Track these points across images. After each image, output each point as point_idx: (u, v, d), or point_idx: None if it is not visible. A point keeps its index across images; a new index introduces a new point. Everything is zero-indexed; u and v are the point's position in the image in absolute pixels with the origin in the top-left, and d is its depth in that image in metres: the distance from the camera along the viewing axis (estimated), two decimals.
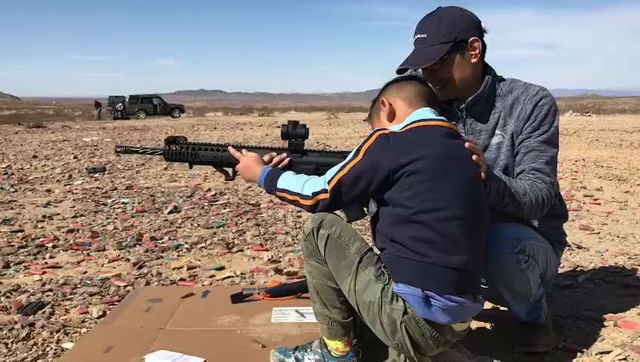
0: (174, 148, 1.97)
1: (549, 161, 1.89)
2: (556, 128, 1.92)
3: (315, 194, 1.63)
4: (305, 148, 1.94)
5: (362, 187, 1.57)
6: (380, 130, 1.60)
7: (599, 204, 4.94)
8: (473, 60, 1.91)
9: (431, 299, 1.51)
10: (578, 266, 3.02)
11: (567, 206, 4.66)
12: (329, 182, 1.61)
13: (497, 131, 1.96)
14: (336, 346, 1.71)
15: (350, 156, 1.61)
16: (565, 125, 19.06)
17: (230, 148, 1.94)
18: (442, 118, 1.66)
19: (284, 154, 1.92)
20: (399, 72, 1.91)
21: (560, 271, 2.92)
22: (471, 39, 1.89)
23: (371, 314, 1.57)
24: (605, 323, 2.20)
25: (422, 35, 1.91)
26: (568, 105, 44.93)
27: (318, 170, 1.87)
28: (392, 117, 1.73)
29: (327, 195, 1.61)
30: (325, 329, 1.72)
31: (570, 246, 3.41)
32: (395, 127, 1.64)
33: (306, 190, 1.65)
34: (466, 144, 1.62)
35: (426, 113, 1.66)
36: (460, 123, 2.00)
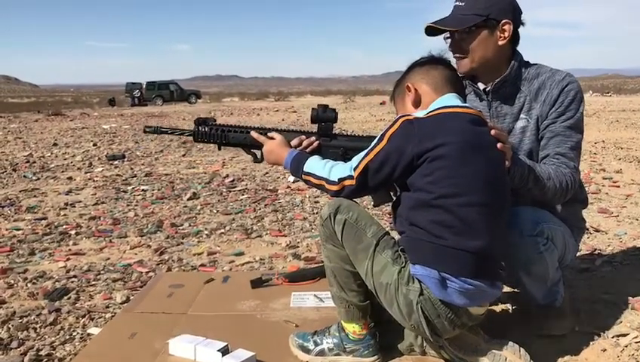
0: (203, 130, 1.97)
1: (573, 146, 1.90)
2: (581, 114, 1.93)
3: (342, 180, 1.65)
4: (333, 132, 1.95)
5: (387, 172, 1.60)
6: (404, 116, 1.62)
7: (618, 186, 4.89)
8: (500, 42, 1.91)
9: (447, 281, 1.54)
10: (596, 249, 3.02)
11: (586, 188, 4.65)
12: (355, 169, 1.63)
13: (522, 115, 1.97)
14: (353, 329, 1.74)
15: (375, 142, 1.63)
16: (585, 106, 18.74)
17: (253, 133, 1.94)
18: (467, 105, 1.68)
19: (313, 138, 1.93)
20: (427, 28, 1.91)
21: (578, 254, 2.91)
22: (503, 21, 1.90)
23: (388, 296, 1.61)
24: (623, 307, 2.20)
25: (460, 3, 1.92)
26: (588, 86, 44.21)
27: (347, 155, 1.88)
28: (417, 103, 1.75)
29: (352, 181, 1.63)
30: (343, 313, 1.75)
31: (587, 229, 3.40)
32: (420, 112, 1.65)
33: (332, 175, 1.67)
34: (492, 131, 1.63)
35: (452, 99, 1.68)
36: (485, 106, 2.02)
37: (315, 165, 1.73)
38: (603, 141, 8.29)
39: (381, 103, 23.99)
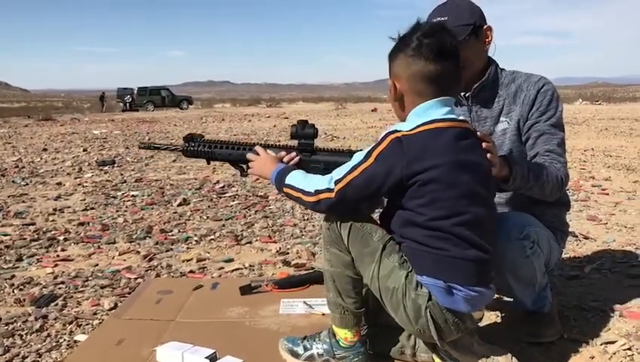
0: (192, 147, 2.03)
1: (559, 143, 1.95)
2: (561, 113, 1.99)
3: (318, 192, 1.61)
4: (314, 146, 1.96)
5: (372, 191, 1.57)
6: (391, 132, 1.55)
7: (607, 194, 4.92)
8: (485, 47, 1.99)
9: (454, 290, 1.55)
10: (585, 257, 3.03)
11: (575, 196, 4.67)
12: (337, 182, 1.59)
13: (502, 118, 2.02)
14: (345, 336, 1.74)
15: (360, 158, 1.58)
16: (575, 114, 18.92)
17: (249, 155, 1.94)
18: (453, 116, 1.60)
19: (294, 153, 1.94)
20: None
21: (566, 261, 2.93)
22: (485, 27, 1.98)
23: (394, 300, 1.60)
24: (611, 314, 2.21)
25: (442, 18, 1.92)
26: (578, 94, 44.55)
27: (328, 170, 1.86)
28: (400, 101, 1.66)
29: (331, 194, 1.59)
30: (337, 319, 1.75)
31: (576, 236, 3.42)
32: (406, 125, 1.57)
33: (309, 186, 1.64)
34: (483, 144, 1.64)
35: (437, 108, 1.59)
36: (466, 110, 2.07)
37: (295, 177, 1.71)
38: (592, 149, 8.34)
39: (373, 110, 24.05)
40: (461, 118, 1.64)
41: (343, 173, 1.59)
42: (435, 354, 1.72)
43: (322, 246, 1.80)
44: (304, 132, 1.93)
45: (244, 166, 1.98)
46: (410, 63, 1.59)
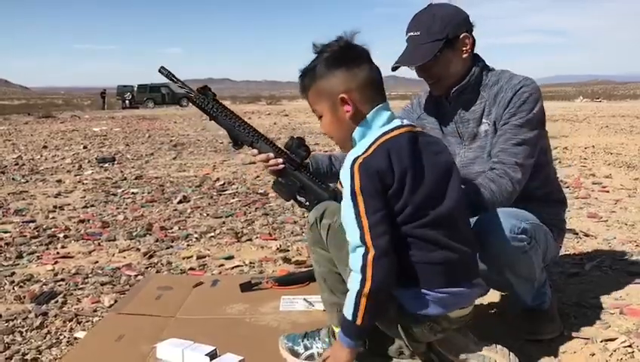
0: (201, 100, 2.02)
1: (520, 142, 1.90)
2: (535, 114, 1.92)
3: (364, 265, 1.45)
4: (302, 163, 1.98)
5: (382, 214, 1.49)
6: (354, 161, 1.50)
7: (608, 191, 4.92)
8: (464, 55, 1.98)
9: (421, 295, 1.53)
10: (585, 254, 3.03)
11: (576, 193, 4.67)
12: (365, 242, 1.46)
13: (484, 119, 2.01)
14: None
15: (352, 207, 1.49)
16: (575, 111, 18.91)
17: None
18: (398, 123, 1.58)
19: (281, 160, 1.97)
20: (394, 69, 1.97)
21: (567, 259, 2.93)
22: (462, 35, 1.95)
23: None
24: (611, 311, 2.21)
25: (415, 33, 1.95)
26: (579, 92, 44.53)
27: (301, 191, 1.97)
28: (357, 118, 1.58)
29: (372, 249, 1.45)
30: (334, 317, 1.74)
31: (577, 234, 3.42)
32: (358, 149, 1.54)
33: (353, 280, 1.48)
34: None
35: (386, 116, 1.58)
36: (449, 113, 2.07)
37: (345, 304, 1.53)
38: (593, 146, 8.34)
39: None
40: (405, 121, 1.60)
41: (358, 230, 1.47)
42: (432, 354, 1.72)
43: (309, 248, 1.80)
44: (297, 151, 1.98)
45: (241, 143, 2.02)
46: (355, 71, 1.56)
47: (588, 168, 6.28)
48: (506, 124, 1.93)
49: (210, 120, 2.08)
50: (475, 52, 2.03)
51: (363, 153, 1.51)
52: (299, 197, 2.00)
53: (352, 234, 1.48)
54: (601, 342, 1.95)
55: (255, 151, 2.00)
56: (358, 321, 1.48)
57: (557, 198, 2.15)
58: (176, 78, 2.09)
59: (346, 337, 1.53)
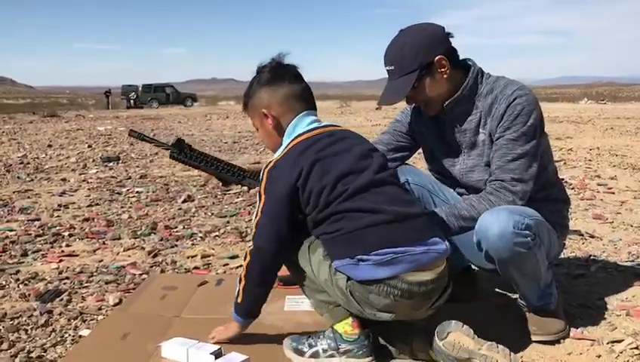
0: (177, 155, 2.12)
1: (516, 157, 1.90)
2: (530, 126, 1.91)
3: (246, 254, 1.78)
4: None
5: (281, 222, 1.72)
6: (268, 164, 1.74)
7: (613, 193, 4.90)
8: (445, 76, 1.95)
9: (361, 261, 1.62)
10: (591, 255, 3.01)
11: (581, 195, 4.65)
12: (253, 236, 1.75)
13: (480, 130, 2.01)
14: (344, 329, 1.75)
15: (257, 202, 1.75)
16: (580, 113, 18.86)
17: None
18: (315, 125, 1.80)
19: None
20: (378, 108, 2.05)
21: (572, 260, 2.92)
22: (437, 59, 1.92)
23: (332, 291, 1.71)
24: (617, 313, 2.20)
25: (390, 68, 1.98)
26: (583, 93, 44.42)
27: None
28: (279, 128, 1.83)
29: (253, 243, 1.76)
30: (328, 316, 1.79)
31: (582, 235, 3.40)
32: (277, 153, 1.77)
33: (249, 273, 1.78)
34: None
35: (306, 121, 1.80)
36: (447, 123, 2.08)
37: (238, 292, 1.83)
38: (598, 148, 8.31)
39: (377, 108, 23.99)
40: (325, 123, 1.83)
41: (254, 223, 1.75)
42: (431, 351, 1.73)
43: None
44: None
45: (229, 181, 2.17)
46: (276, 87, 1.82)
47: (593, 170, 6.25)
48: (501, 137, 1.93)
49: (195, 169, 2.18)
50: (468, 58, 2.03)
51: (278, 157, 1.75)
52: None
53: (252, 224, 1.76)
54: (608, 343, 1.94)
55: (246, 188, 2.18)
56: (239, 300, 1.80)
57: (558, 197, 2.14)
58: (149, 138, 2.22)
59: (234, 313, 1.83)
